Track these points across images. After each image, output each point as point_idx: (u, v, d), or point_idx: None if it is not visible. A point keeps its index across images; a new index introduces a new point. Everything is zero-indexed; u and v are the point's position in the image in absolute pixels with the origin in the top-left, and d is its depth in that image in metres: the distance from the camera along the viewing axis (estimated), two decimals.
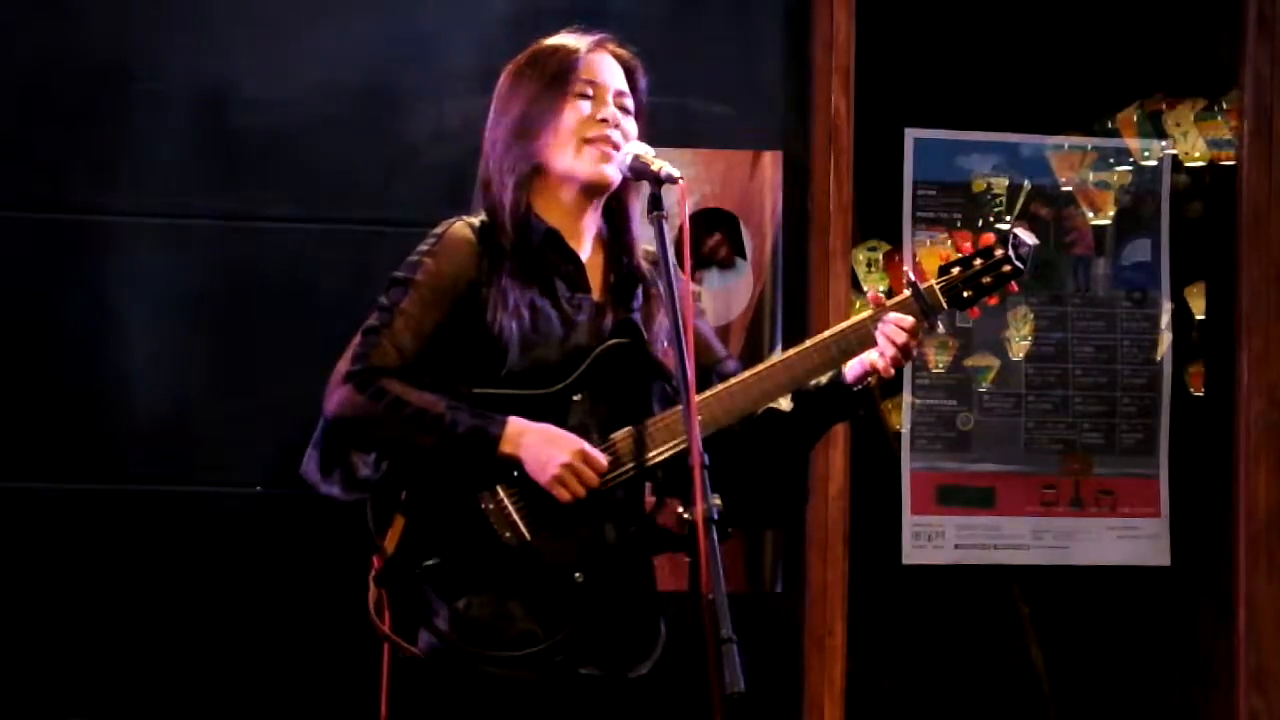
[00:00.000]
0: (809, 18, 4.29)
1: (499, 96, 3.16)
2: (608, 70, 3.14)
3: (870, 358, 3.05)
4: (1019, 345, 4.82)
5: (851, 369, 3.08)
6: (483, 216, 3.12)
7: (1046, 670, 5.34)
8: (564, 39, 3.17)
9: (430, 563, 3.00)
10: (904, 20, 4.84)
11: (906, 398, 4.76)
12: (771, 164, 4.27)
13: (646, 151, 3.04)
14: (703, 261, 4.23)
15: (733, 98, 4.25)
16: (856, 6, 4.30)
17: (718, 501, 2.76)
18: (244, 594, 4.00)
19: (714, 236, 4.26)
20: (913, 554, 4.73)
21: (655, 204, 2.96)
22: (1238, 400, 4.57)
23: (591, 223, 3.16)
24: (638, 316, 3.13)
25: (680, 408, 2.86)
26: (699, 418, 2.88)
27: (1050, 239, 4.84)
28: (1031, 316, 4.82)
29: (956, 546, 4.75)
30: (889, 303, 3.06)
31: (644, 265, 3.18)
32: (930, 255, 4.71)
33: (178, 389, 4.05)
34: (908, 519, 4.73)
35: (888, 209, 4.76)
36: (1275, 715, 4.50)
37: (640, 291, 3.16)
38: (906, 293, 3.06)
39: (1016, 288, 3.10)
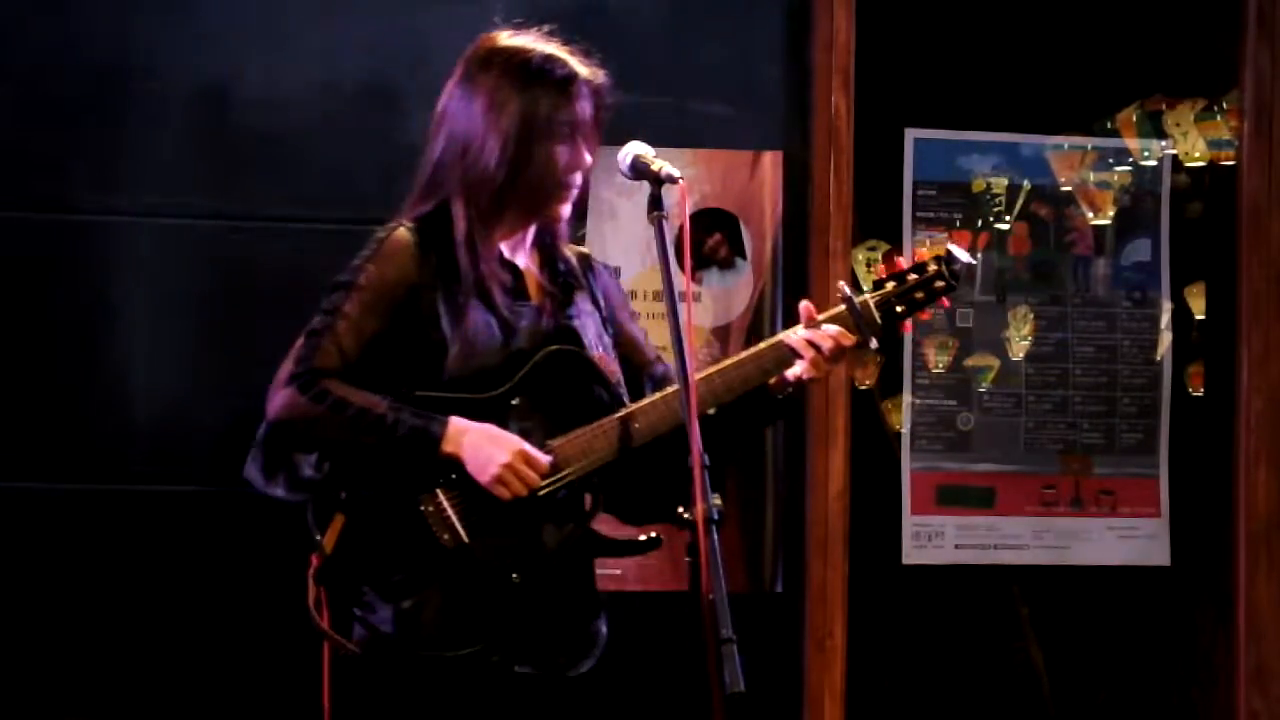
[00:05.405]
0: (809, 18, 4.29)
1: (473, 103, 3.13)
2: (584, 108, 3.12)
3: (794, 370, 3.10)
4: (1019, 345, 4.82)
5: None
6: (422, 212, 3.12)
7: (1046, 670, 5.34)
8: (556, 67, 3.11)
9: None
10: (904, 20, 4.84)
11: (906, 398, 4.76)
12: (771, 164, 4.27)
13: (646, 151, 3.04)
14: (703, 261, 4.23)
15: (733, 98, 4.25)
16: (856, 6, 4.30)
17: (718, 501, 2.76)
18: (244, 594, 4.00)
19: (714, 236, 4.25)
20: (913, 554, 4.73)
21: (655, 204, 2.96)
22: (1238, 400, 4.57)
23: (530, 232, 3.19)
24: (576, 322, 3.15)
25: (616, 416, 3.03)
26: (637, 425, 3.03)
27: (1050, 239, 4.84)
28: (1031, 316, 4.82)
29: (956, 547, 4.74)
30: (822, 316, 3.11)
31: (576, 267, 3.21)
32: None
33: (178, 389, 4.05)
34: (908, 519, 4.73)
35: (888, 209, 4.76)
36: (1275, 715, 4.50)
37: (576, 296, 3.18)
38: (841, 307, 3.11)
39: (948, 303, 3.18)
